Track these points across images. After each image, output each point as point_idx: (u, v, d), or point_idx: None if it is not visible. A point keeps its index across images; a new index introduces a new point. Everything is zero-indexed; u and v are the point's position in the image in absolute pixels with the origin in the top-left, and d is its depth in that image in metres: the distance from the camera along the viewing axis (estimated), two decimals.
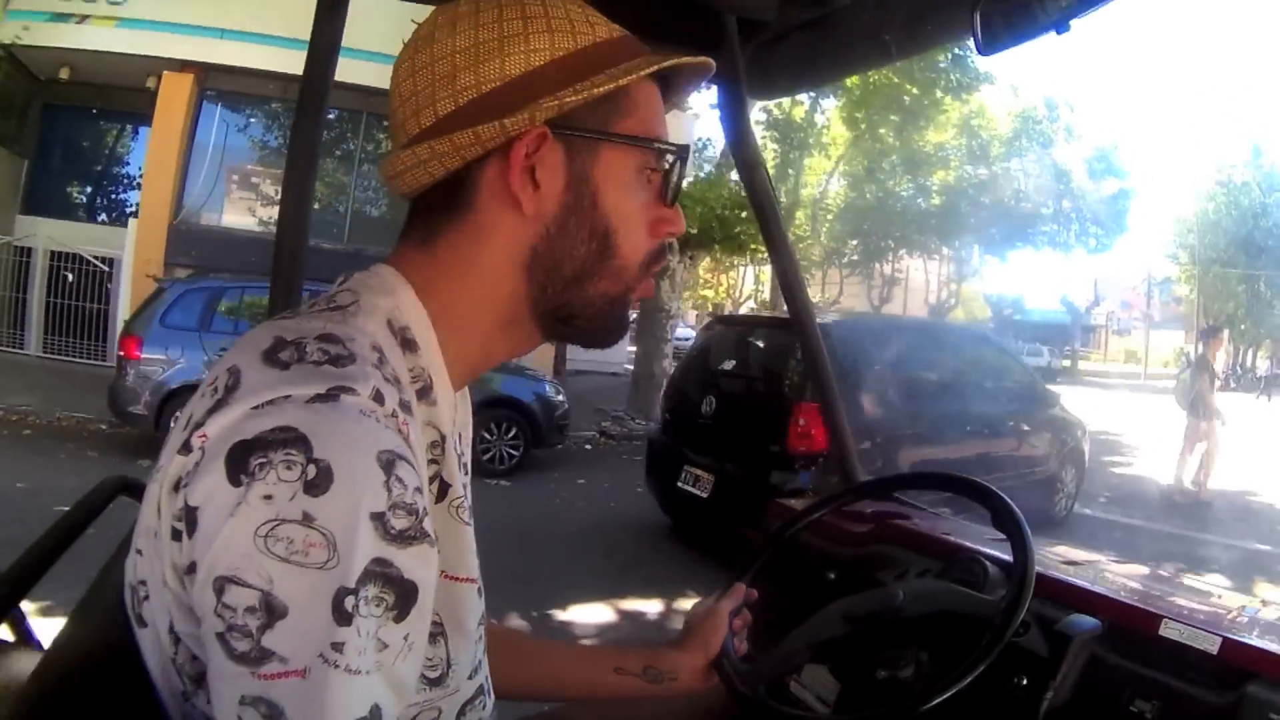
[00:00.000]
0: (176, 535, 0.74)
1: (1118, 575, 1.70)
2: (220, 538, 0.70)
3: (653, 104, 0.97)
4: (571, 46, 0.91)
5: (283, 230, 1.64)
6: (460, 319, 0.94)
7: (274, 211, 17.47)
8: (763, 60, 1.89)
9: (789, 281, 2.02)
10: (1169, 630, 1.32)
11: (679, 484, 6.84)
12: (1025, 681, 1.33)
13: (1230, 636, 1.27)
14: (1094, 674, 1.32)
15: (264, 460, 0.71)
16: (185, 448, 0.76)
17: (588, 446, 12.07)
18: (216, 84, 16.83)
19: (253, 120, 17.78)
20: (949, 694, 1.18)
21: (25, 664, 1.31)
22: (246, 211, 17.32)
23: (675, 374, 8.48)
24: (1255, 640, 1.29)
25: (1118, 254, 59.04)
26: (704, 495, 6.58)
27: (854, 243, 37.50)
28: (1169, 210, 43.56)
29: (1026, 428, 8.33)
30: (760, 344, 7.43)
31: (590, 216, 0.94)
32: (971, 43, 1.44)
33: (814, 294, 44.76)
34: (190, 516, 0.72)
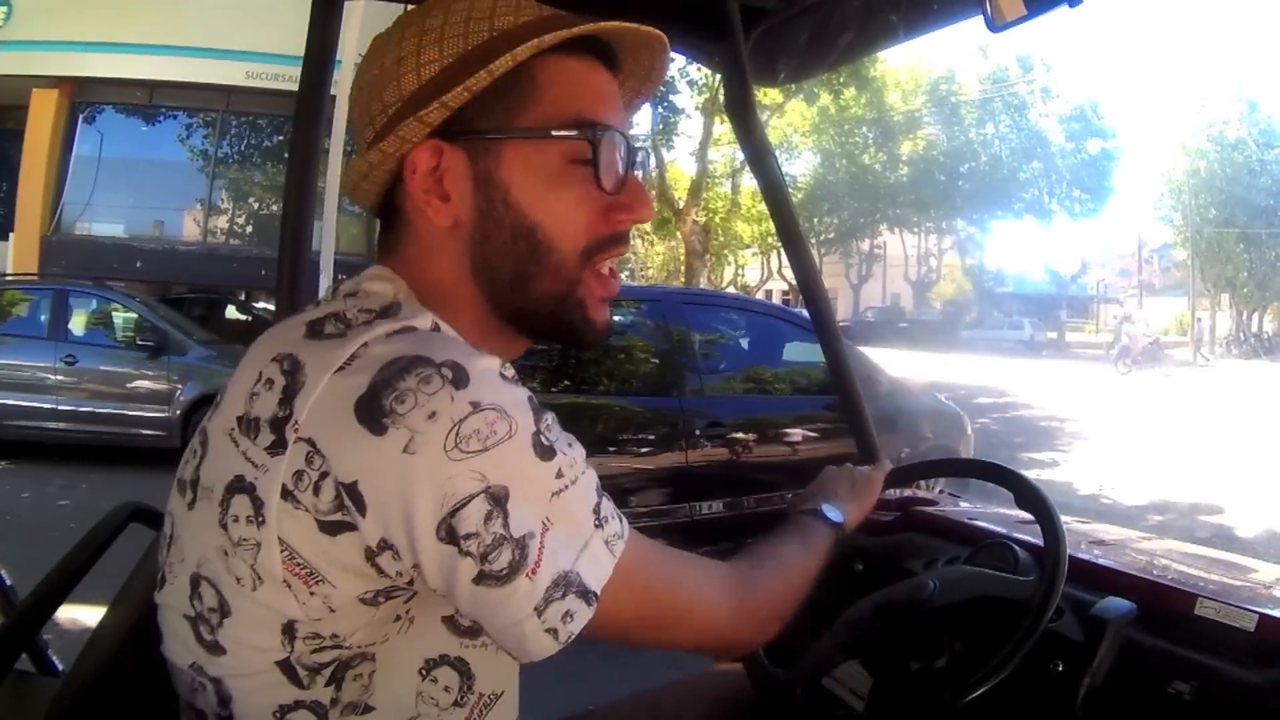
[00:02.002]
0: (337, 527, 0.79)
1: (1148, 553, 1.77)
2: (414, 484, 0.76)
3: (571, 85, 0.98)
4: (461, 49, 0.94)
5: (285, 240, 1.69)
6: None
7: (149, 215, 18.40)
8: (767, 46, 1.95)
9: (806, 274, 2.07)
10: (1204, 609, 1.37)
11: None
12: (1061, 667, 1.37)
13: (1267, 613, 1.32)
14: (1130, 657, 1.36)
15: (398, 393, 0.77)
16: (277, 446, 0.80)
17: None
18: (89, 96, 17.87)
19: (127, 129, 18.64)
20: (989, 685, 1.24)
21: (46, 693, 1.37)
22: (118, 219, 18.29)
23: None
24: None
25: (1109, 220, 59.58)
26: None
27: (830, 220, 37.61)
28: (1160, 171, 43.48)
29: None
30: None
31: (507, 217, 0.96)
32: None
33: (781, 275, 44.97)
34: (353, 495, 0.77)
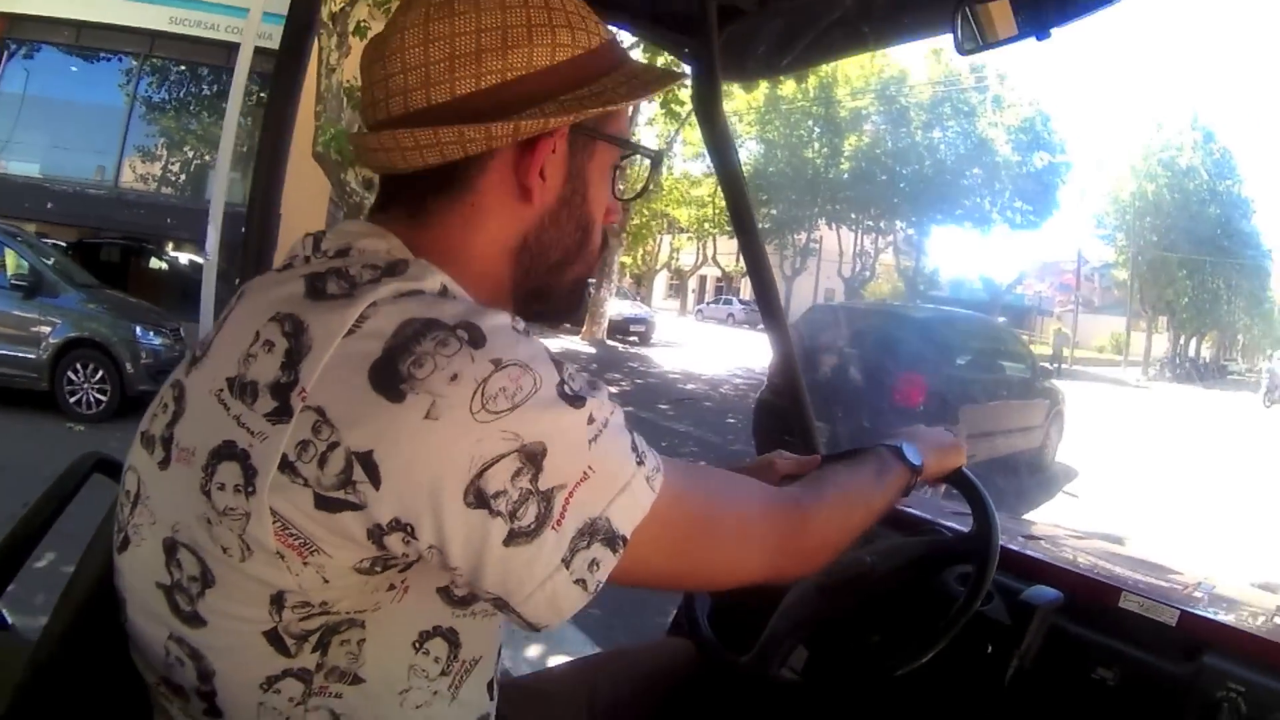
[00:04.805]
0: (338, 505, 0.79)
1: (1078, 549, 1.91)
2: (440, 450, 0.77)
3: (624, 112, 1.10)
4: (587, 45, 0.99)
5: (255, 198, 1.71)
6: None
7: (66, 157, 18.38)
8: (738, 43, 2.05)
9: (758, 265, 2.20)
10: (1128, 602, 1.51)
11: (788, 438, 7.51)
12: (990, 650, 1.48)
13: (1188, 610, 1.46)
14: (1057, 643, 1.48)
15: (415, 358, 0.79)
16: (280, 414, 0.81)
17: None
18: (19, 34, 17.82)
19: (53, 68, 18.54)
20: (920, 661, 1.35)
21: (6, 653, 1.42)
22: (35, 159, 18.34)
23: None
24: (1211, 614, 1.47)
25: (1051, 234, 60.68)
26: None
27: (768, 210, 37.78)
28: (1106, 190, 44.21)
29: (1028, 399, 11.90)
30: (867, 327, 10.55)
31: (580, 209, 1.06)
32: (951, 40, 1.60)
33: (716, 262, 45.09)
34: (368, 465, 0.77)
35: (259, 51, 14.28)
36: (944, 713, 1.50)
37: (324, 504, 0.79)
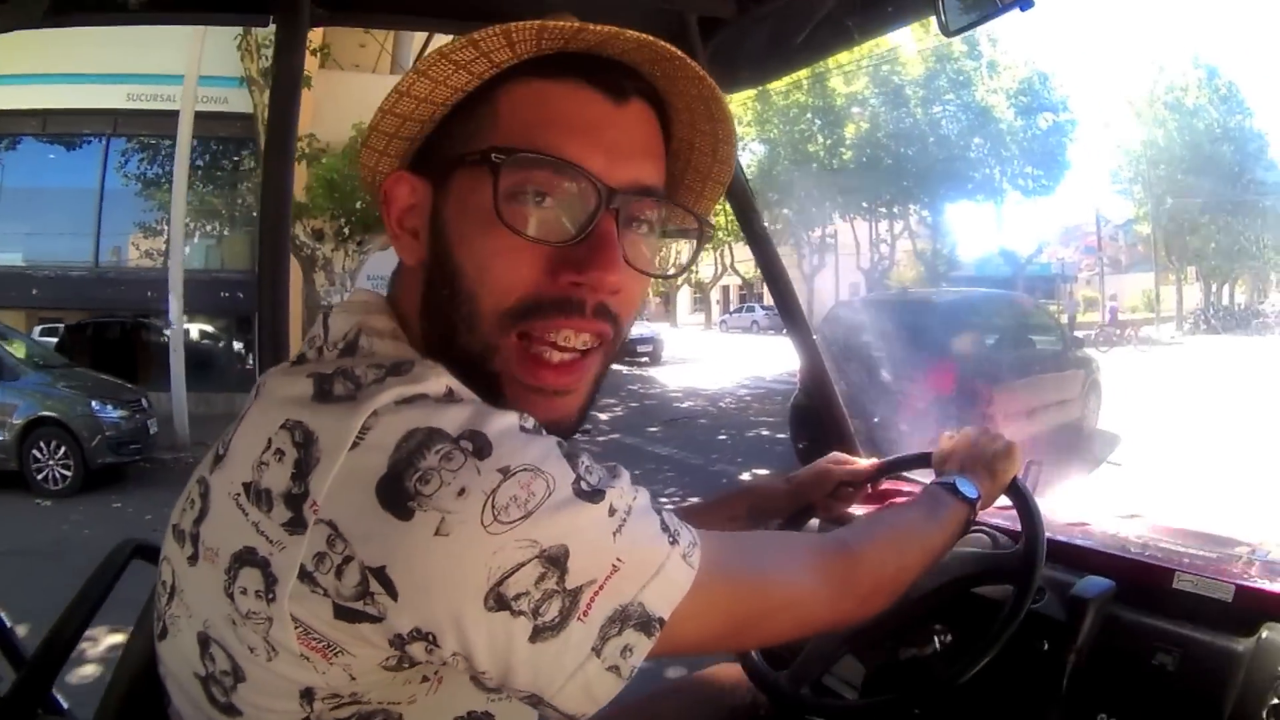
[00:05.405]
0: (356, 616, 0.78)
1: (1125, 531, 1.90)
2: (455, 569, 0.76)
3: (533, 109, 0.91)
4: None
5: (263, 281, 1.72)
6: None
7: (45, 243, 18.63)
8: (725, 54, 2.05)
9: (773, 272, 2.21)
10: (1182, 583, 1.50)
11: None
12: (1047, 647, 1.48)
13: (1243, 583, 1.45)
14: (1113, 633, 1.47)
15: (421, 474, 0.76)
16: (296, 525, 0.79)
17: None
18: None
19: (23, 158, 19.09)
20: (978, 667, 1.35)
21: None
22: (17, 248, 18.88)
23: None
24: (1268, 584, 1.46)
25: (1068, 196, 60.16)
26: None
27: (779, 211, 37.66)
28: (1116, 143, 43.77)
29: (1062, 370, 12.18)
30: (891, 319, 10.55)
31: (443, 259, 0.94)
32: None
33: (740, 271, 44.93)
34: (383, 580, 0.76)
35: (206, 116, 14.42)
36: (1007, 716, 1.50)
37: (343, 614, 0.78)
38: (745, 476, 10.52)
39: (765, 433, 14.40)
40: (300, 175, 12.36)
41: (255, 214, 12.80)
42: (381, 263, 15.54)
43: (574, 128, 0.90)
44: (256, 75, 12.55)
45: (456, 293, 0.92)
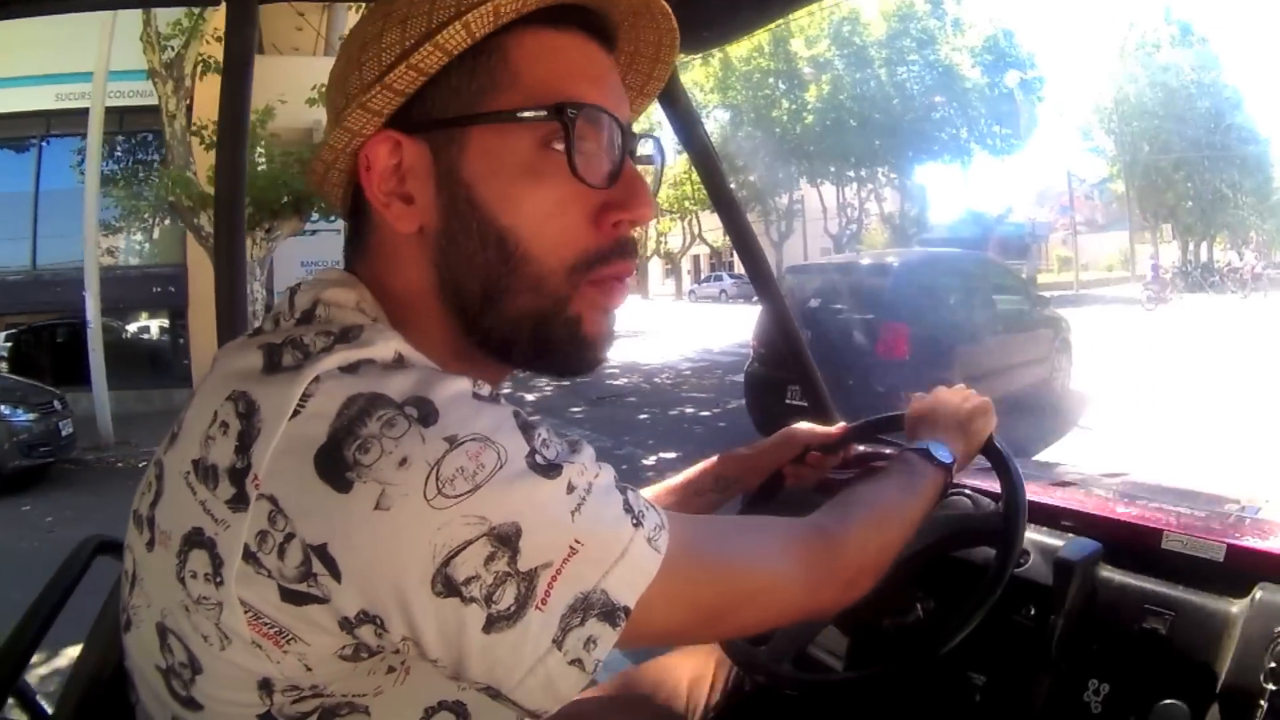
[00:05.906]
0: (302, 599, 0.73)
1: (1111, 491, 1.87)
2: (397, 543, 0.70)
3: (550, 61, 0.90)
4: (425, 28, 0.85)
5: (220, 263, 1.71)
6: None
7: None
8: (691, 13, 1.94)
9: (743, 238, 2.16)
10: (1171, 543, 1.46)
11: (787, 400, 7.71)
12: (1033, 611, 1.45)
13: (1234, 542, 1.41)
14: (1102, 595, 1.43)
15: (361, 442, 0.71)
16: (239, 501, 0.74)
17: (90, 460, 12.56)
18: None
19: None
20: (962, 636, 1.29)
21: None
22: None
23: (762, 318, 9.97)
24: (1260, 543, 1.42)
25: (1042, 158, 60.59)
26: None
27: (744, 177, 37.96)
28: (1087, 100, 44.20)
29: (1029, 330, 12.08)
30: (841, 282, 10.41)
31: (472, 220, 0.88)
32: None
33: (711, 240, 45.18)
34: (324, 559, 0.71)
35: (132, 110, 14.37)
36: (995, 684, 1.47)
37: (289, 596, 0.73)
38: (650, 461, 10.14)
39: (689, 410, 14.16)
40: (203, 163, 12.11)
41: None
42: (308, 248, 15.39)
43: (590, 77, 0.91)
44: (159, 67, 12.38)
45: (510, 253, 0.88)
